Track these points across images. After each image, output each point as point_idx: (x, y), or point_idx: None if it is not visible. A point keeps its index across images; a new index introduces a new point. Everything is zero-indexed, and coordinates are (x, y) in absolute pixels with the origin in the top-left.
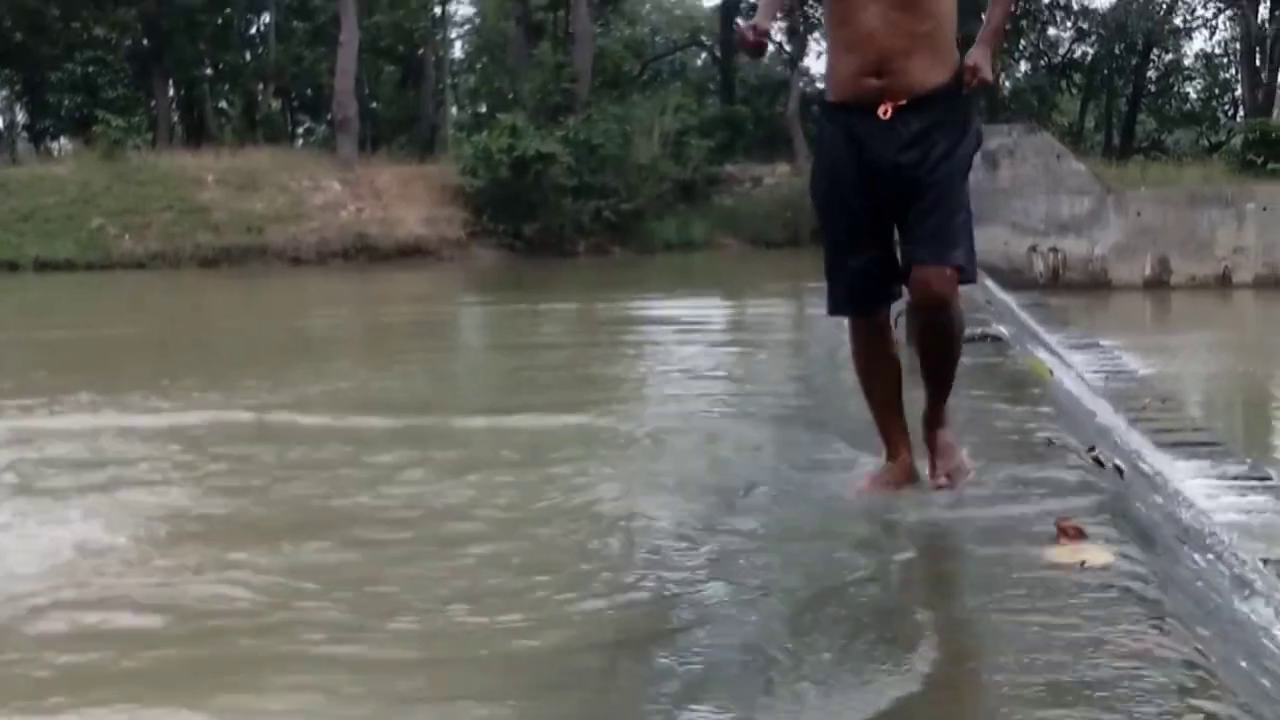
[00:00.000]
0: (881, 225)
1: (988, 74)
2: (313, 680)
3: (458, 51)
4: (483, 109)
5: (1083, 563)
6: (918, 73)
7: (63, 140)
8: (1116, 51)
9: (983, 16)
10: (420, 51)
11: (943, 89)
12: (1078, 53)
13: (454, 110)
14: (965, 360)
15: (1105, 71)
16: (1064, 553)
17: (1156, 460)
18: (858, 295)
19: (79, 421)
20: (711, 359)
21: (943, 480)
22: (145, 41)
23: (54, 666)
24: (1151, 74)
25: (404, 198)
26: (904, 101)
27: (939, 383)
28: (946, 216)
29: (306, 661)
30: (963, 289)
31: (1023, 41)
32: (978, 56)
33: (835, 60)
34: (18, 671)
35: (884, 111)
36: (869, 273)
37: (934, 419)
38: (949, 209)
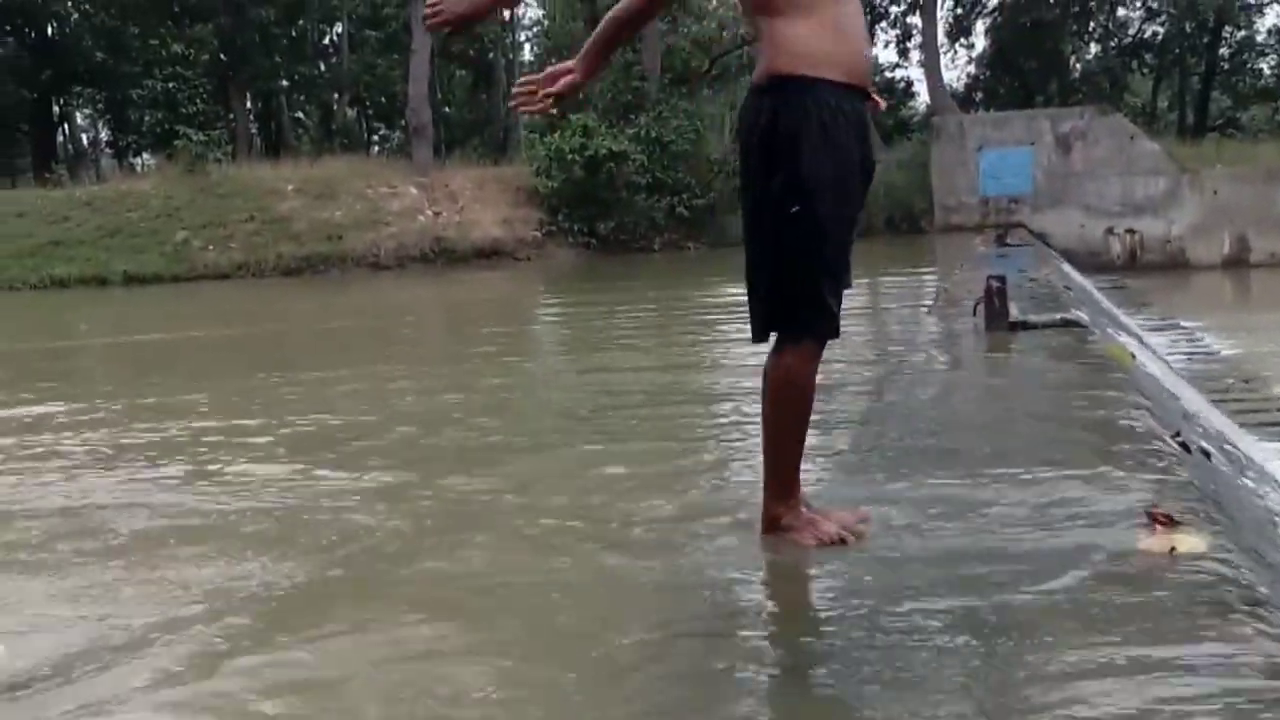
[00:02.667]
0: None
1: None
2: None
3: (527, 54)
4: (554, 110)
5: (1174, 549)
6: None
7: (145, 156)
8: (1187, 30)
9: None
10: (491, 55)
11: None
12: (1148, 32)
13: None
14: (1047, 346)
15: (1176, 50)
16: (1155, 541)
17: (1242, 442)
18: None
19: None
20: None
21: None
22: (222, 56)
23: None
24: (1224, 51)
25: (479, 200)
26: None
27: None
28: None
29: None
30: (1039, 276)
31: (1092, 23)
32: None
33: (836, 29)
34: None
35: (878, 99)
36: None
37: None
38: None
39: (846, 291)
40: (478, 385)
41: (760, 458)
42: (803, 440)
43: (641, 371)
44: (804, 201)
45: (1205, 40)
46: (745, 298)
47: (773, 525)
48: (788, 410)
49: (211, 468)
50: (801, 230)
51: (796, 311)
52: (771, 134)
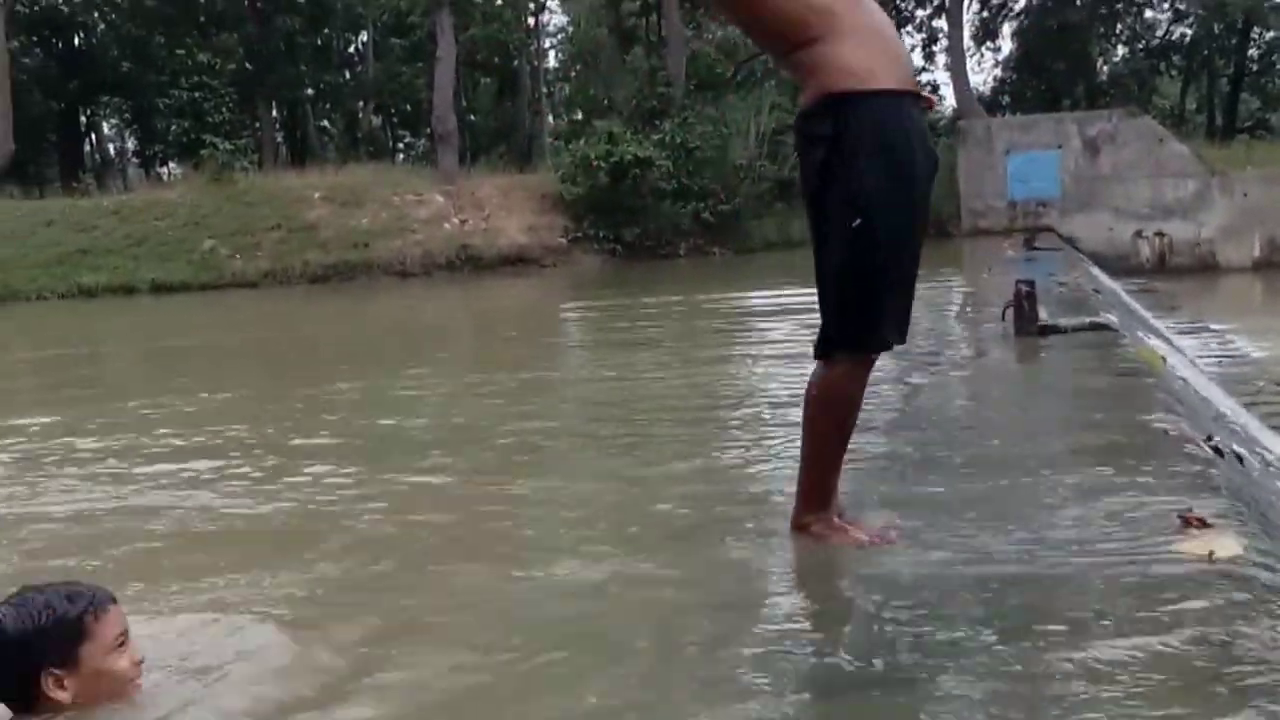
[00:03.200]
0: None
1: None
2: None
3: (552, 61)
4: (579, 117)
5: (1211, 553)
6: None
7: (172, 165)
8: (1216, 31)
9: None
10: (516, 63)
11: None
12: (1176, 34)
13: (550, 119)
14: (1078, 350)
15: (1205, 52)
16: (1191, 544)
17: (1275, 445)
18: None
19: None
20: None
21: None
22: (248, 65)
23: None
24: (1253, 52)
25: (505, 208)
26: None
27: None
28: None
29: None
30: (1068, 280)
31: (1119, 26)
32: None
33: (872, 39)
34: None
35: (930, 97)
36: None
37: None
38: None
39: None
40: (515, 390)
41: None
42: (842, 453)
43: (672, 374)
44: (863, 215)
45: (1234, 42)
46: (776, 302)
47: (801, 531)
48: (828, 421)
49: (280, 473)
50: (861, 244)
51: (856, 324)
52: (830, 152)
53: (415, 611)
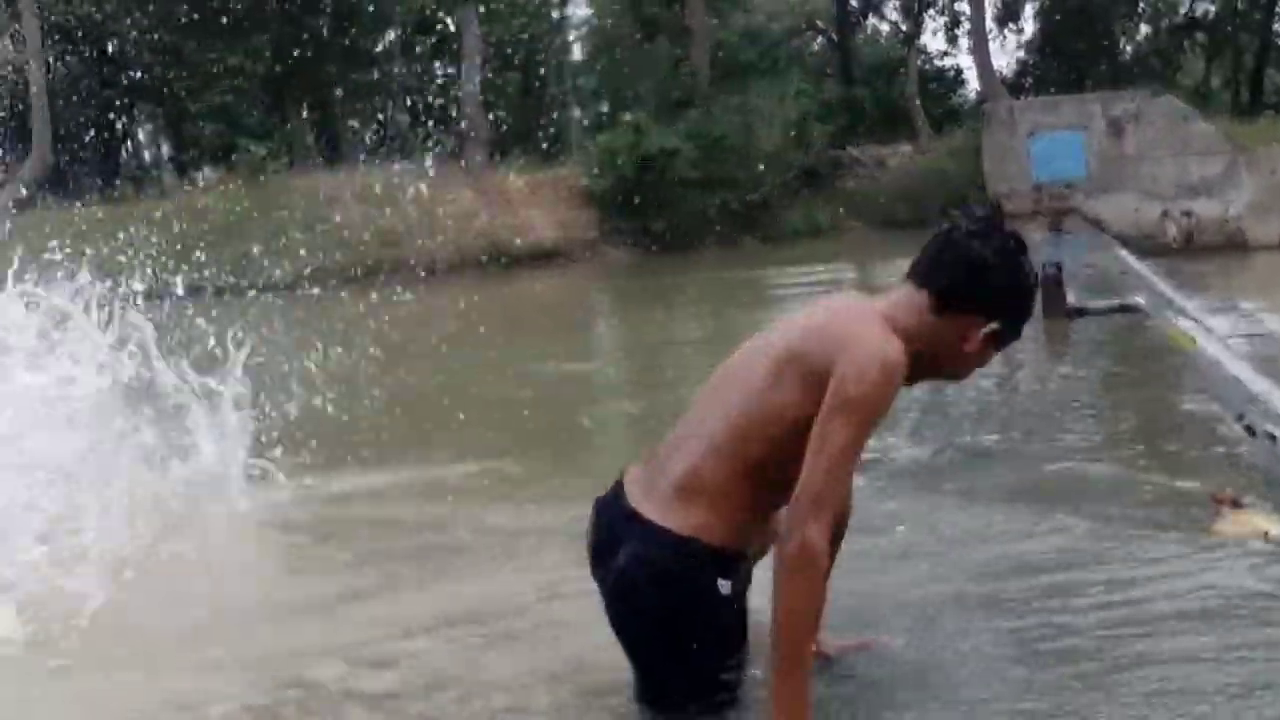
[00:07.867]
0: None
1: None
2: None
3: (577, 53)
4: (604, 109)
5: (1267, 534)
6: None
7: (206, 170)
8: (1240, 7)
9: None
10: (541, 57)
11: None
12: (1199, 11)
13: (577, 112)
14: (1107, 332)
15: (1229, 28)
16: (1227, 524)
17: None
18: None
19: None
20: None
21: None
22: (277, 67)
23: None
24: (1278, 27)
25: (533, 203)
26: None
27: None
28: None
29: None
30: (1092, 261)
31: (1142, 4)
32: None
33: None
34: None
35: None
36: None
37: None
38: None
39: None
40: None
41: None
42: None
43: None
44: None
45: (1258, 17)
46: (809, 288)
47: None
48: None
49: None
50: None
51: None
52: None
53: None
